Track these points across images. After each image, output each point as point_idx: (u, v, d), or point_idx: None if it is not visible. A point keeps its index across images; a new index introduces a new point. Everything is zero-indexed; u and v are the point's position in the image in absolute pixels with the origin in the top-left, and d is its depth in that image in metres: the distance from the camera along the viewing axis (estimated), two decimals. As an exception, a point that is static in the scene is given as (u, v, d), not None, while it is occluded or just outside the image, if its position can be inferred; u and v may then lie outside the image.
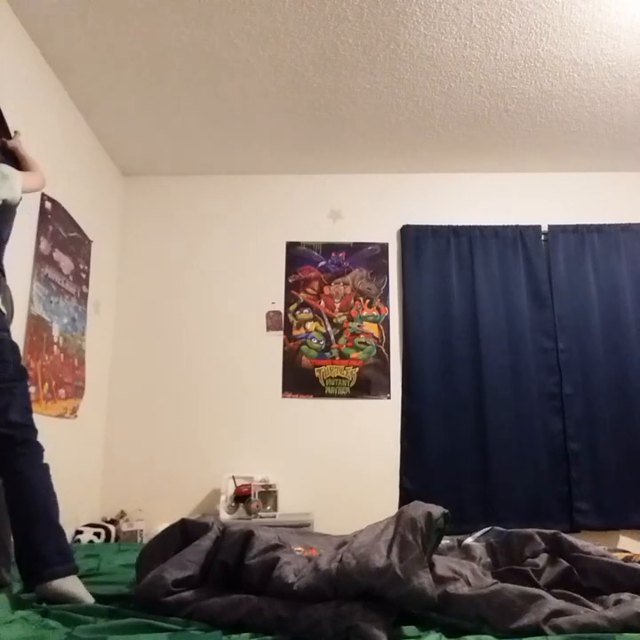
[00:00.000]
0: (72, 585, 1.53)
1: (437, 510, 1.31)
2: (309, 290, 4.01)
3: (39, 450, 1.69)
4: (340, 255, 4.06)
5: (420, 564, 1.17)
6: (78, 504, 3.32)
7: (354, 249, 4.07)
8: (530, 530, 1.54)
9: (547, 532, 1.52)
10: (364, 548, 1.24)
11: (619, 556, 1.73)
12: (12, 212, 2.01)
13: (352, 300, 3.99)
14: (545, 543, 1.48)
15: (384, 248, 4.07)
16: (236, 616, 1.21)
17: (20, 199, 2.04)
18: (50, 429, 3.19)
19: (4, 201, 1.94)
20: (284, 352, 3.91)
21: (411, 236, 4.01)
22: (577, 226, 3.96)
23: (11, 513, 1.58)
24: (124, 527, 3.36)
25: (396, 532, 1.26)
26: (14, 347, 1.76)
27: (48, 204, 3.05)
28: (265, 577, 1.28)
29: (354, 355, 3.90)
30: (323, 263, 4.05)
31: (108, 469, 3.74)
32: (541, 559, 1.40)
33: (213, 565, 1.37)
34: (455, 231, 3.99)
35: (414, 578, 1.14)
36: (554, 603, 1.14)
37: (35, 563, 1.55)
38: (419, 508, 1.32)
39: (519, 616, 1.10)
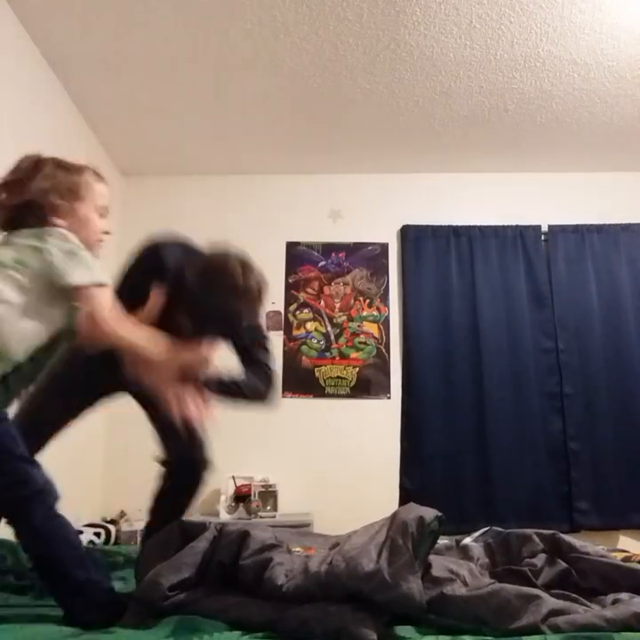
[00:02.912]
0: None
1: (430, 513, 1.31)
2: (309, 290, 4.01)
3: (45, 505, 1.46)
4: (340, 255, 4.06)
5: (409, 569, 1.17)
6: (78, 504, 3.32)
7: (354, 249, 4.07)
8: (528, 530, 1.54)
9: (545, 532, 1.52)
10: (355, 551, 1.24)
11: (618, 557, 1.73)
12: None
13: (352, 300, 3.99)
14: (543, 543, 1.48)
15: (384, 248, 4.07)
16: (228, 619, 1.22)
17: None
18: (50, 429, 3.20)
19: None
20: (284, 352, 3.91)
21: (411, 236, 4.01)
22: (577, 226, 3.96)
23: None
24: (124, 527, 3.36)
25: (387, 535, 1.26)
26: None
27: (48, 204, 3.05)
28: (257, 578, 1.29)
29: (354, 355, 3.90)
30: (323, 263, 4.05)
31: (108, 469, 3.74)
32: (539, 559, 1.40)
33: (210, 566, 1.37)
34: (455, 231, 3.99)
35: (403, 583, 1.14)
36: (552, 602, 1.14)
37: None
38: (411, 512, 1.32)
39: (517, 616, 1.10)
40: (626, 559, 1.74)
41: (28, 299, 1.40)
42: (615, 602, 1.23)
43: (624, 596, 1.26)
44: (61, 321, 1.47)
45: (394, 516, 1.34)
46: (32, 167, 1.54)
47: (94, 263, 1.46)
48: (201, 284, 1.67)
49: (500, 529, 1.68)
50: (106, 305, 1.45)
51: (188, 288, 1.69)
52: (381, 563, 1.19)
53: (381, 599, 1.16)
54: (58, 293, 1.43)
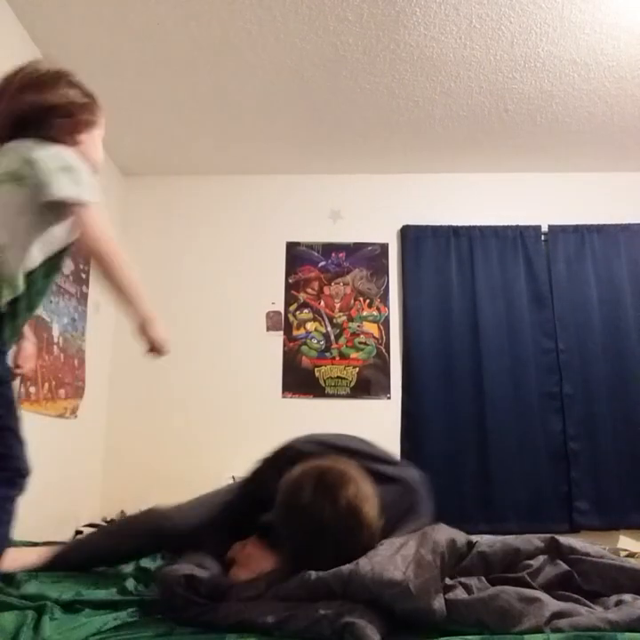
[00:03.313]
0: None
1: (462, 537, 1.31)
2: (309, 290, 4.01)
3: None
4: (340, 255, 4.06)
5: (435, 584, 1.18)
6: (78, 504, 3.32)
7: (354, 249, 4.06)
8: (526, 535, 1.54)
9: (544, 536, 1.51)
10: (381, 557, 1.24)
11: (622, 554, 1.73)
12: None
13: (352, 300, 3.99)
14: (542, 546, 1.47)
15: (384, 248, 4.07)
16: (239, 618, 1.22)
17: None
18: (50, 429, 3.20)
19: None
20: (284, 352, 3.91)
21: (411, 236, 4.01)
22: (577, 226, 3.96)
23: None
24: (124, 527, 3.36)
25: (416, 550, 1.26)
26: None
27: (48, 205, 3.04)
28: None
29: (354, 355, 3.90)
30: (323, 263, 4.05)
31: (108, 469, 3.74)
32: (537, 560, 1.40)
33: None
34: (455, 231, 3.99)
35: (427, 597, 1.15)
36: (553, 604, 1.14)
37: None
38: (443, 533, 1.32)
39: (519, 619, 1.10)
40: (628, 556, 1.74)
41: (27, 219, 1.35)
42: (618, 603, 1.23)
43: (627, 597, 1.25)
44: (59, 240, 1.42)
45: (423, 533, 1.35)
46: (55, 75, 1.51)
47: (90, 182, 1.43)
48: (283, 523, 1.38)
49: (495, 537, 1.68)
50: (95, 221, 1.41)
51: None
52: (408, 574, 1.19)
53: (401, 608, 1.16)
54: (50, 209, 1.37)
